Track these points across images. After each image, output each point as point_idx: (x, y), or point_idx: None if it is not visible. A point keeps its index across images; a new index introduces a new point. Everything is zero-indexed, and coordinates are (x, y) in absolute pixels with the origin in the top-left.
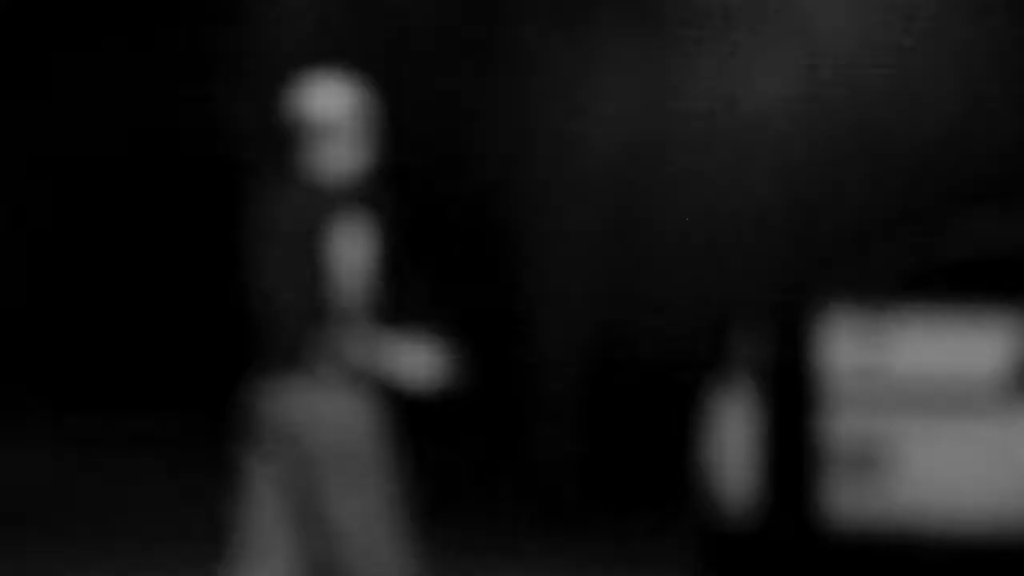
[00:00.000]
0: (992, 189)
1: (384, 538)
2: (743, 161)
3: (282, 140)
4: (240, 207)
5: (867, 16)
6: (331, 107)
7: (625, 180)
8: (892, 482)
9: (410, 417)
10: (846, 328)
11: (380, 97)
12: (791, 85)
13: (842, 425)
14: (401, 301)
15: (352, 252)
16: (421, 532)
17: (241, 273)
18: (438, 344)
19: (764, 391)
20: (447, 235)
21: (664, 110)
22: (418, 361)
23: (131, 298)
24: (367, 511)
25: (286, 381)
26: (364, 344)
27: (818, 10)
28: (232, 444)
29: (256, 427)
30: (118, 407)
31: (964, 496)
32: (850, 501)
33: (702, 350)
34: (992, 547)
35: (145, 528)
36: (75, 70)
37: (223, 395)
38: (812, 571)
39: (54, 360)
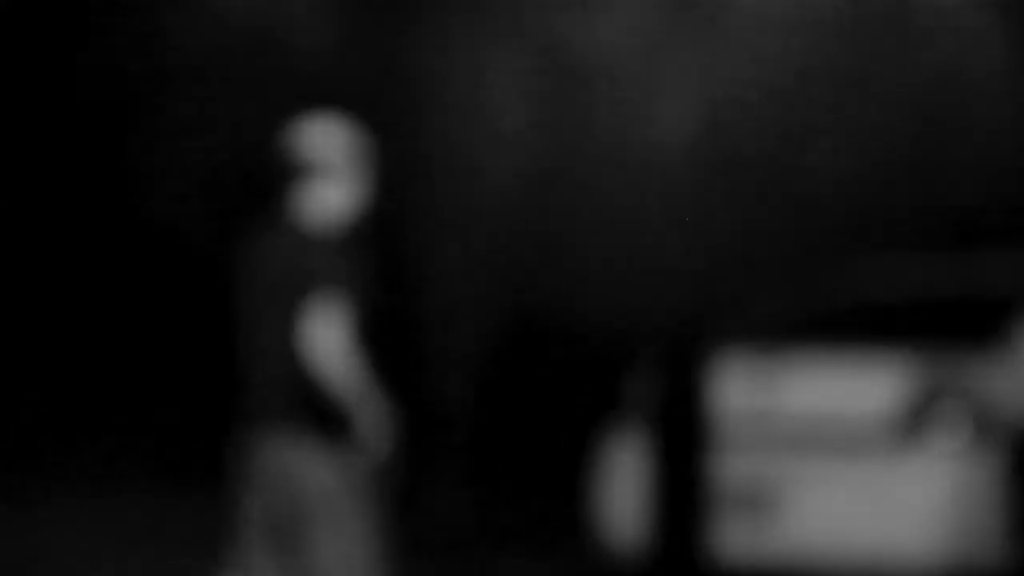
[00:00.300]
0: (885, 234)
1: None
2: (639, 199)
3: (272, 181)
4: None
5: (768, 56)
6: (323, 147)
7: (520, 216)
8: (781, 523)
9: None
10: (737, 370)
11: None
12: (691, 126)
13: (732, 466)
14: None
15: (334, 332)
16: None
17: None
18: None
19: (655, 431)
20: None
21: (566, 142)
22: (375, 424)
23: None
24: (347, 554)
25: (277, 430)
26: (347, 399)
27: (720, 48)
28: (223, 490)
29: (247, 475)
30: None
31: (852, 538)
32: (739, 542)
33: (596, 387)
34: None
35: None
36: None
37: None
38: None
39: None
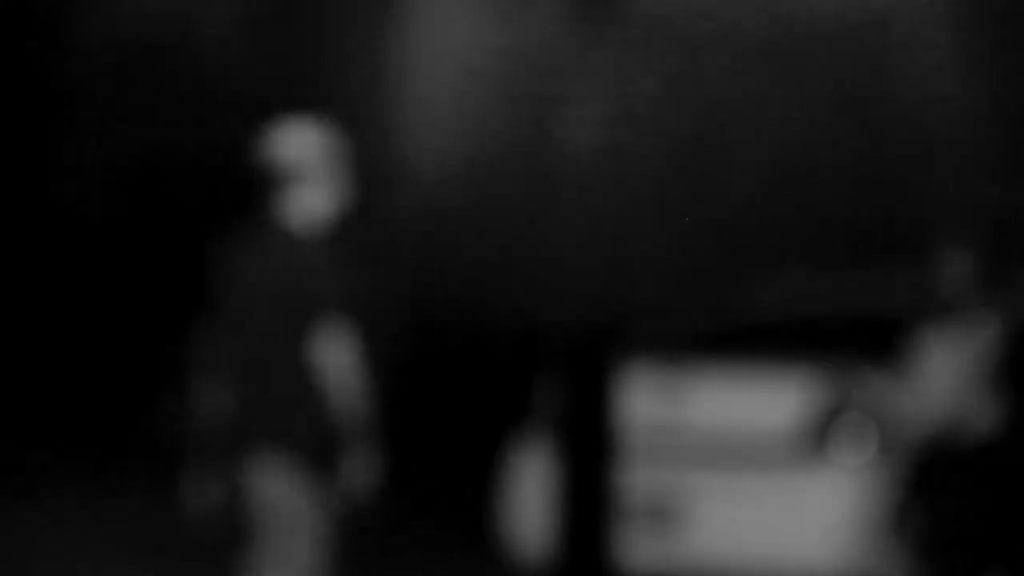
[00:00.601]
0: (792, 251)
1: None
2: (549, 207)
3: (256, 185)
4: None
5: (677, 69)
6: (301, 151)
7: (429, 225)
8: (686, 535)
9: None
10: (645, 382)
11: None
12: (600, 139)
13: (638, 478)
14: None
15: (343, 349)
16: None
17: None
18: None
19: (561, 440)
20: None
21: (478, 144)
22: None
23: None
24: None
25: (268, 448)
26: (348, 423)
27: (636, 59)
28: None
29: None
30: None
31: (756, 551)
32: (645, 553)
33: (506, 397)
34: None
35: None
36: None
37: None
38: None
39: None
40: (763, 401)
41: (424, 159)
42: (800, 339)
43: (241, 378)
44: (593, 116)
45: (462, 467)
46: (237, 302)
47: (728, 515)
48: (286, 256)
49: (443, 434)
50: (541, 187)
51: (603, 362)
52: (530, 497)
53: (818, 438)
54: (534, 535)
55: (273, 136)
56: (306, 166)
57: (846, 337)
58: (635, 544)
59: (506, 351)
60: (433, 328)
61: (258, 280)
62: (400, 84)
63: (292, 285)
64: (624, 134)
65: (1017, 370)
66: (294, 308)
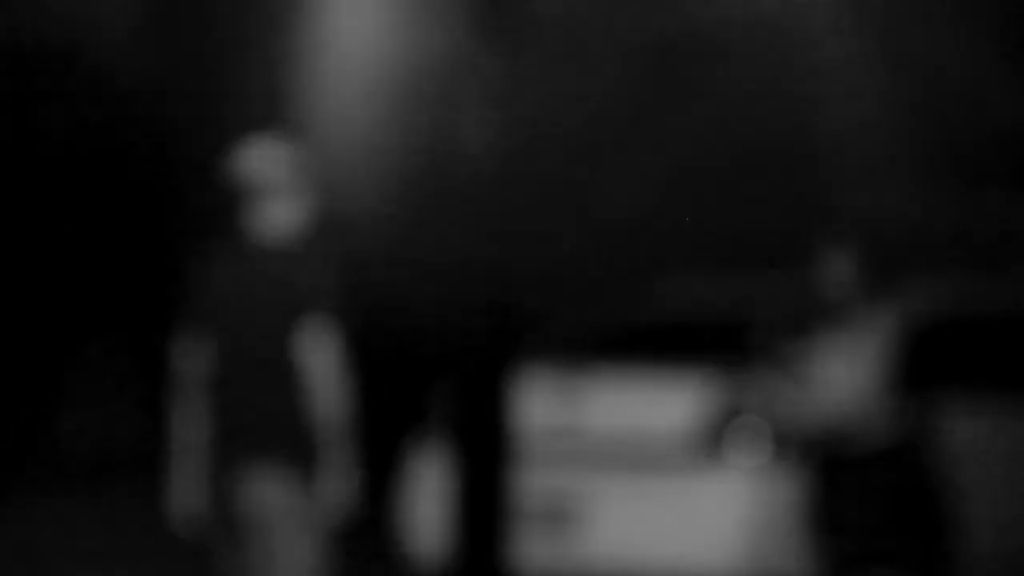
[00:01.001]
0: (686, 255)
1: None
2: (443, 214)
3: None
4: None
5: (570, 75)
6: (269, 167)
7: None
8: (582, 538)
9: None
10: (540, 386)
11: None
12: (496, 143)
13: (535, 482)
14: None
15: (329, 356)
16: None
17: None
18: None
19: (458, 443)
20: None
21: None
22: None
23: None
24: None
25: (256, 453)
26: (332, 429)
27: (529, 68)
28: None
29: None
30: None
31: (652, 553)
32: (541, 556)
33: (404, 400)
34: None
35: None
36: None
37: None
38: None
39: None
40: (658, 404)
41: (321, 163)
42: (694, 342)
43: (227, 386)
44: (490, 120)
45: (360, 471)
46: (221, 313)
47: (624, 517)
48: (264, 267)
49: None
50: (436, 191)
51: (498, 366)
52: (427, 501)
53: (713, 440)
54: (432, 539)
55: (242, 153)
56: (275, 181)
57: (738, 340)
58: (532, 547)
59: (402, 355)
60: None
61: (239, 291)
62: (300, 88)
63: (272, 293)
64: (520, 138)
65: (910, 372)
66: (276, 315)
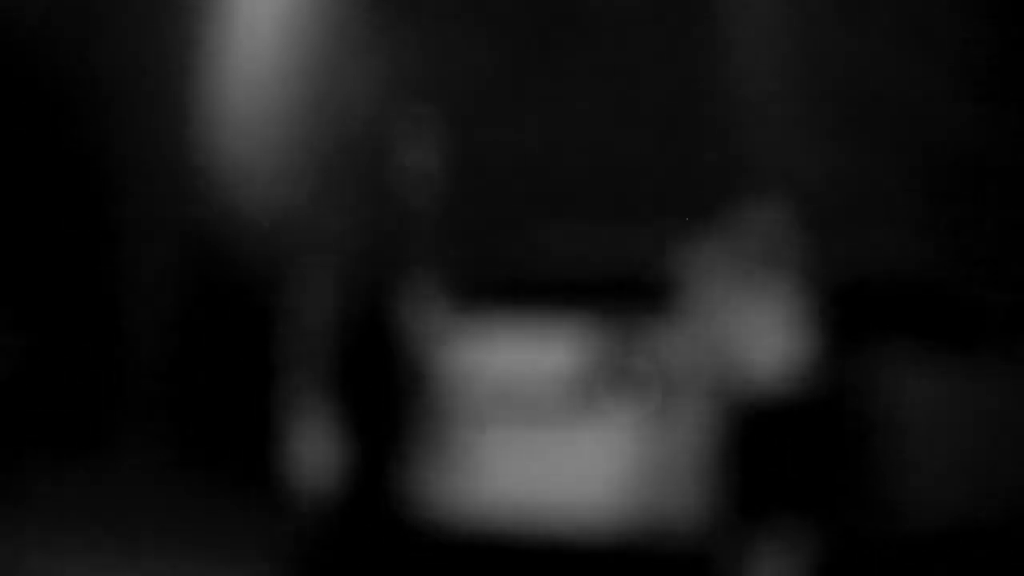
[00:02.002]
0: (569, 206)
1: None
2: (327, 169)
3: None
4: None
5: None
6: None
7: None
8: (472, 485)
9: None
10: (422, 335)
11: None
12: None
13: (420, 430)
14: None
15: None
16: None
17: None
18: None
19: (346, 393)
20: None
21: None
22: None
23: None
24: None
25: None
26: None
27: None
28: None
29: None
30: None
31: (541, 500)
32: (429, 503)
33: (287, 347)
34: (562, 548)
35: None
36: None
37: None
38: (394, 566)
39: None
40: (545, 354)
41: (205, 134)
42: (583, 292)
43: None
44: (376, 87)
45: (246, 415)
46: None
47: (512, 466)
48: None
49: (226, 381)
50: (315, 152)
51: (382, 316)
52: (315, 445)
53: (598, 390)
54: (320, 483)
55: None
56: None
57: (629, 290)
58: (418, 494)
59: (287, 301)
60: (206, 283)
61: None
62: (184, 66)
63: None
64: (407, 94)
65: (829, 329)
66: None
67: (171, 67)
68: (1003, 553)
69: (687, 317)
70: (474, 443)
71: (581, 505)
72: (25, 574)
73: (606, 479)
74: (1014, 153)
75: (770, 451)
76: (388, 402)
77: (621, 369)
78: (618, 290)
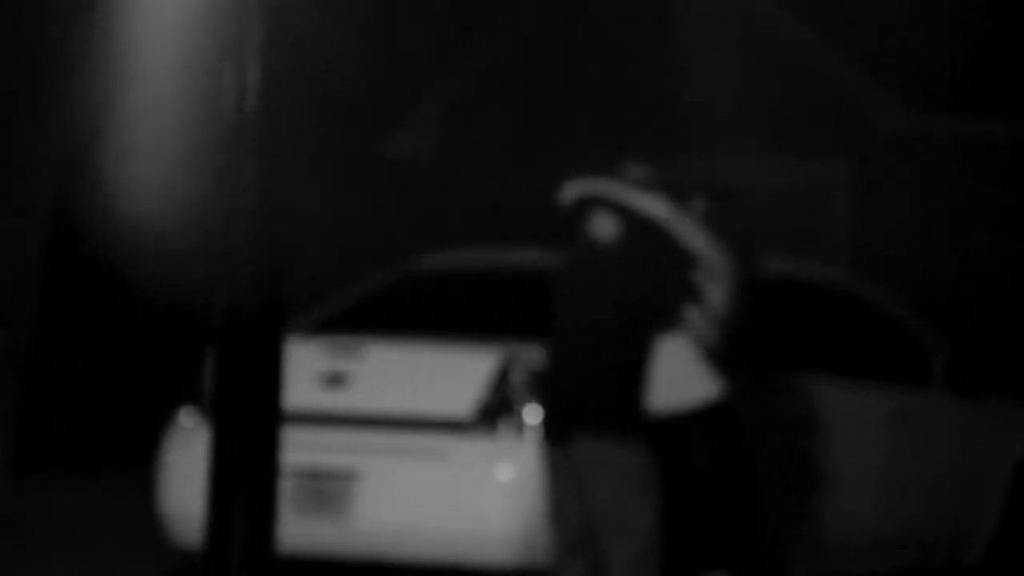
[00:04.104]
0: (457, 229)
1: None
2: (207, 180)
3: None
4: None
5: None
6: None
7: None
8: (353, 519)
9: None
10: (306, 362)
11: None
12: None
13: (300, 457)
14: None
15: None
16: None
17: None
18: None
19: (221, 422)
20: None
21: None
22: None
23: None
24: None
25: None
26: None
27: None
28: None
29: None
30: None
31: (421, 528)
32: (308, 533)
33: (167, 375)
34: (444, 572)
35: None
36: None
37: None
38: None
39: None
40: (432, 375)
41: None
42: (471, 313)
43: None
44: (250, 80)
45: (124, 447)
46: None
47: (391, 493)
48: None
49: (105, 411)
50: (196, 156)
51: (264, 339)
52: (189, 478)
53: (490, 411)
54: (193, 516)
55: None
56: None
57: (520, 310)
58: (297, 529)
59: (167, 329)
60: (88, 307)
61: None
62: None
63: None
64: (282, 99)
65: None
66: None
67: (50, 61)
68: None
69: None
70: (358, 474)
71: (463, 538)
72: None
73: (498, 504)
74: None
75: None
76: None
77: (512, 388)
78: (507, 308)
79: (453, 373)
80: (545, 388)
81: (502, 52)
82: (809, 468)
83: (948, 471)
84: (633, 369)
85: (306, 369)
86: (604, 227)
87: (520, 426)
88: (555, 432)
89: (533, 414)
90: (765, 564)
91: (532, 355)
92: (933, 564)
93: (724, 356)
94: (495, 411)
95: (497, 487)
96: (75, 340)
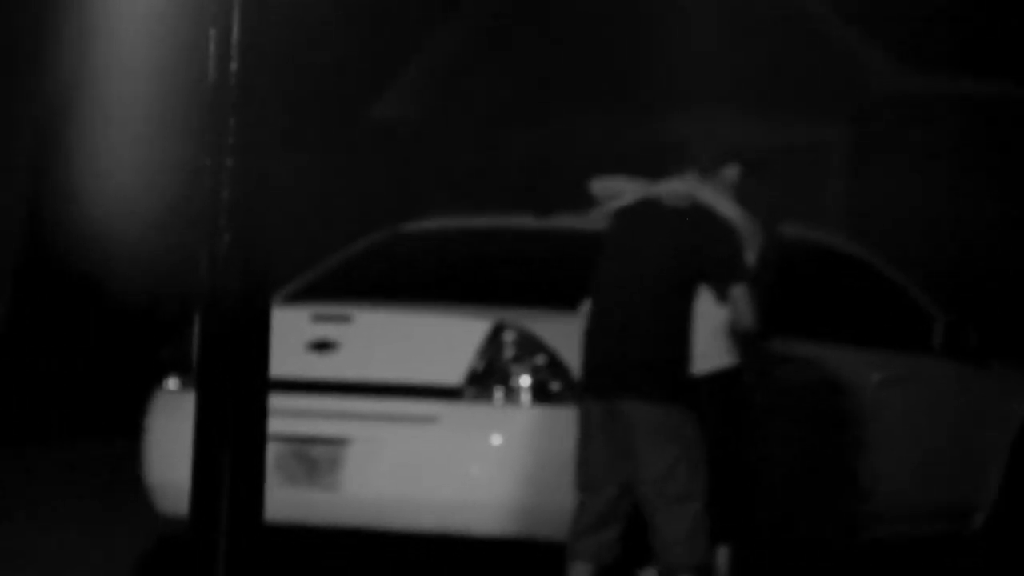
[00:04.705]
0: (450, 196)
1: None
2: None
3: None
4: None
5: None
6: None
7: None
8: (339, 483)
9: None
10: (293, 328)
11: None
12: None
13: (288, 425)
14: None
15: None
16: None
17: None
18: None
19: (208, 391)
20: None
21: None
22: None
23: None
24: None
25: None
26: None
27: None
28: None
29: None
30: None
31: (412, 496)
32: (298, 502)
33: (151, 345)
34: (435, 540)
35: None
36: None
37: None
38: (257, 569)
39: None
40: (423, 341)
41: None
42: (461, 276)
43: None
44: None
45: (108, 417)
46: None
47: (382, 460)
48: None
49: (89, 380)
50: (177, 119)
51: (250, 304)
52: (175, 445)
53: (483, 378)
54: (179, 484)
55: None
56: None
57: (516, 278)
58: (286, 494)
59: (152, 298)
60: (67, 267)
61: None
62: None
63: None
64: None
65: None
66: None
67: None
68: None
69: (575, 306)
70: (350, 438)
71: (464, 498)
72: None
73: (491, 471)
74: None
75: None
76: None
77: (511, 354)
78: (506, 278)
79: (445, 339)
80: (587, 345)
81: (488, 14)
82: (808, 436)
83: (950, 437)
84: (686, 332)
85: (293, 335)
86: (677, 188)
87: (513, 392)
88: (597, 392)
89: (526, 380)
90: (762, 537)
91: (525, 320)
92: (936, 532)
93: (754, 327)
94: (488, 377)
95: (490, 454)
96: (50, 309)
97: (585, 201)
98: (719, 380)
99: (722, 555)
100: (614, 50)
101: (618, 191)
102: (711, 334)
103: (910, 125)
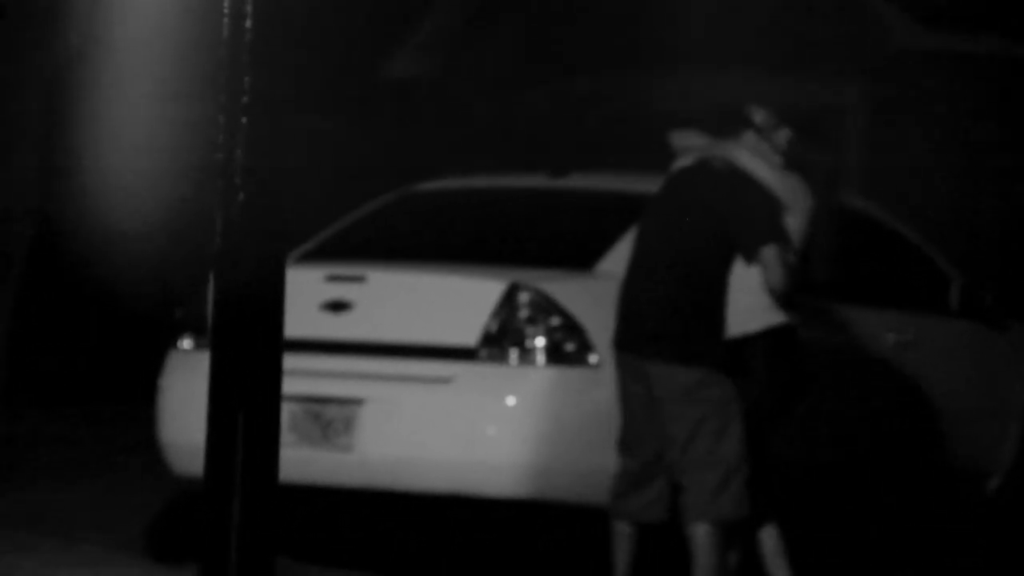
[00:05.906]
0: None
1: None
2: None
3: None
4: None
5: None
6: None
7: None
8: (353, 443)
9: None
10: (307, 288)
11: None
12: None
13: (302, 386)
14: None
15: None
16: None
17: None
18: None
19: (223, 351)
20: None
21: None
22: None
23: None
24: None
25: None
26: None
27: None
28: None
29: None
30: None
31: (427, 457)
32: (310, 462)
33: (167, 305)
34: (448, 501)
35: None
36: None
37: None
38: (271, 529)
39: None
40: (438, 301)
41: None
42: (476, 235)
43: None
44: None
45: (123, 378)
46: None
47: (393, 422)
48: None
49: (107, 344)
50: (192, 81)
51: (265, 263)
52: (189, 405)
53: (498, 338)
54: (194, 444)
55: None
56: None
57: (529, 233)
58: (300, 454)
59: (165, 260)
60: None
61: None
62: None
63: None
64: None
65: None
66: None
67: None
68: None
69: (594, 267)
70: (365, 399)
71: (478, 460)
72: None
73: (505, 433)
74: None
75: None
76: None
77: (529, 317)
78: (525, 235)
79: (459, 299)
80: (620, 302)
81: None
82: (829, 396)
83: (967, 397)
84: (717, 295)
85: (307, 296)
86: (715, 151)
87: (528, 353)
88: (627, 347)
89: (541, 341)
90: (776, 495)
91: (540, 281)
92: (956, 494)
93: (793, 291)
94: (502, 338)
95: (505, 415)
96: (63, 273)
97: (598, 161)
98: (768, 338)
99: (732, 557)
100: (627, 8)
101: (692, 146)
102: (755, 293)
103: (928, 83)
